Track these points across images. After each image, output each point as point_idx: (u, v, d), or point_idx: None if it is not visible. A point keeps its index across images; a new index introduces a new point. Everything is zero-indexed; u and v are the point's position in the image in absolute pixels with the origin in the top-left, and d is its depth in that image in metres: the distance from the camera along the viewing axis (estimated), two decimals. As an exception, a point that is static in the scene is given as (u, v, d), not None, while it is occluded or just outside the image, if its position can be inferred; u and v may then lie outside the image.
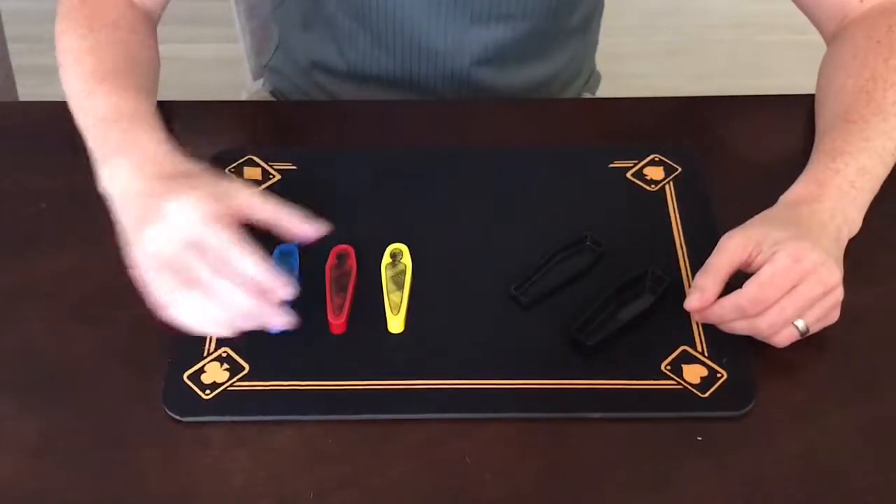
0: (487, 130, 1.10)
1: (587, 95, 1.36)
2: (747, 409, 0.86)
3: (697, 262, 0.90)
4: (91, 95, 0.98)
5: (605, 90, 1.41)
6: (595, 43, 1.35)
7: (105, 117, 0.95)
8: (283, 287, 0.84)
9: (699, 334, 0.90)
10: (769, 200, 1.01)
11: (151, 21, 1.09)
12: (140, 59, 1.03)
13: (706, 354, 0.89)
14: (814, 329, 0.88)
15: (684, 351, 0.89)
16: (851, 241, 0.93)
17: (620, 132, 1.10)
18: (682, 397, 0.87)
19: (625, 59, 2.27)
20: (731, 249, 0.88)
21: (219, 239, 0.84)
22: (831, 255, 0.88)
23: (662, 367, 0.88)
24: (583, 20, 1.25)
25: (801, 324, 0.87)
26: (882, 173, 0.96)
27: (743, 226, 0.90)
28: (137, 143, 0.92)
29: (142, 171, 0.89)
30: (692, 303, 0.87)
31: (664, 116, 1.07)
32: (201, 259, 0.83)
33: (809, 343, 0.90)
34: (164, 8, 1.11)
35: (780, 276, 0.86)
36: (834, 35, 1.07)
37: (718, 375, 0.88)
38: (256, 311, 0.84)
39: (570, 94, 1.32)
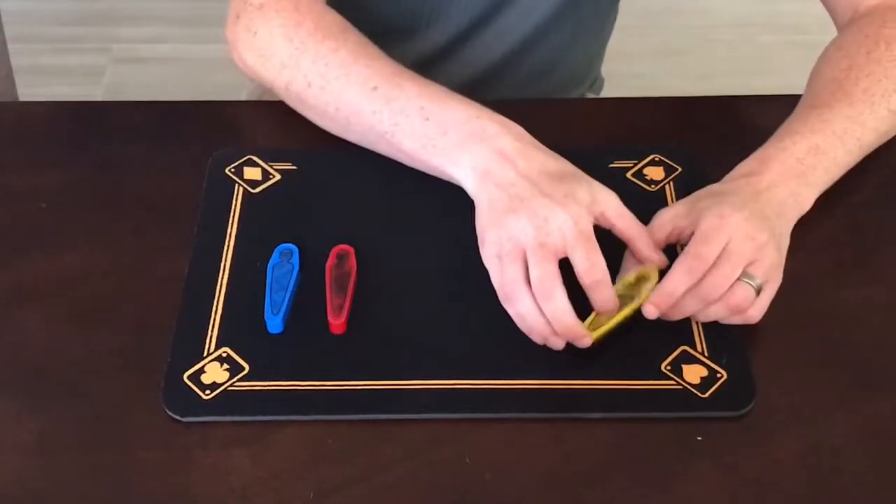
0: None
1: (588, 94, 1.36)
2: (747, 409, 0.86)
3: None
4: (394, 95, 0.97)
5: (605, 90, 1.41)
6: (605, 44, 1.36)
7: (431, 108, 0.96)
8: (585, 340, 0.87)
9: (699, 334, 0.90)
10: (769, 200, 1.01)
11: None
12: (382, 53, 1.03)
13: (706, 354, 0.89)
14: (767, 290, 0.88)
15: (684, 351, 0.89)
16: (852, 242, 0.93)
17: (620, 132, 1.10)
18: (682, 397, 0.87)
19: (625, 59, 2.27)
20: (659, 221, 0.91)
21: (587, 261, 0.86)
22: (756, 215, 0.88)
23: (662, 367, 0.88)
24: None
25: (752, 281, 0.87)
26: (842, 155, 0.96)
27: (678, 201, 0.93)
28: (487, 130, 0.94)
29: (508, 161, 0.91)
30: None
31: (664, 116, 1.07)
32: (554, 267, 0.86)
33: (809, 343, 0.91)
34: None
35: (710, 231, 0.87)
36: (843, 26, 1.09)
37: (718, 375, 0.88)
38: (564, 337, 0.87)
39: (574, 95, 1.32)
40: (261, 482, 0.82)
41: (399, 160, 0.99)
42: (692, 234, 0.89)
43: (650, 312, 0.87)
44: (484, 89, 1.24)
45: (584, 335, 0.87)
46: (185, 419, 0.86)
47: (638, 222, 0.91)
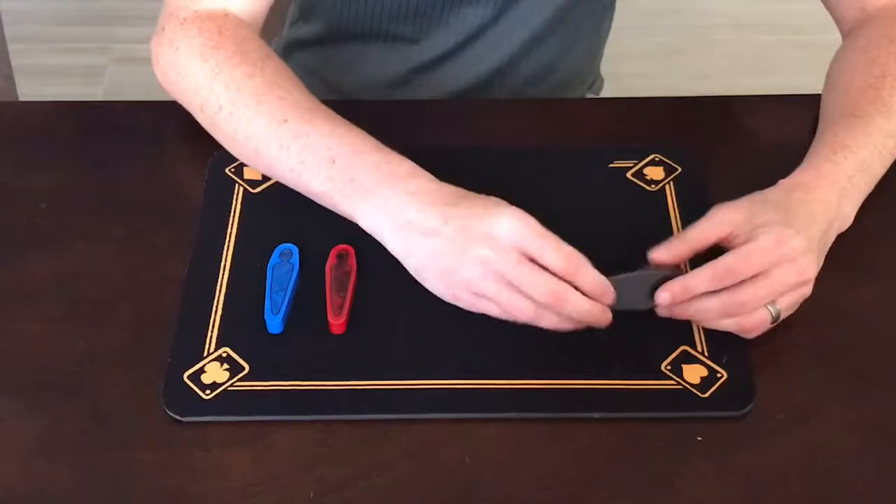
0: (487, 130, 1.10)
1: (589, 96, 1.36)
2: (747, 409, 0.86)
3: (697, 261, 0.90)
4: (303, 131, 0.93)
5: (605, 90, 1.41)
6: (603, 43, 1.36)
7: (340, 149, 0.91)
8: (611, 295, 0.86)
9: (699, 334, 0.90)
10: (769, 200, 1.01)
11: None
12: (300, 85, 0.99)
13: (706, 354, 0.89)
14: (782, 317, 0.88)
15: (684, 351, 0.89)
16: (851, 241, 0.93)
17: (620, 132, 1.10)
18: (682, 397, 0.87)
19: (625, 59, 2.27)
20: (716, 221, 0.88)
21: (558, 251, 0.84)
22: (814, 246, 0.88)
23: (662, 367, 0.88)
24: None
25: (773, 308, 0.87)
26: (879, 171, 0.96)
27: (736, 201, 0.90)
28: (396, 174, 0.89)
29: (423, 202, 0.87)
30: (657, 254, 0.87)
31: (664, 116, 1.07)
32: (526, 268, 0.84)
33: (809, 343, 0.91)
34: (263, 20, 1.08)
35: (759, 253, 0.86)
36: (851, 29, 1.08)
37: (718, 375, 0.88)
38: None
39: (574, 96, 1.32)
40: (261, 482, 0.82)
41: (311, 198, 0.95)
42: (743, 242, 0.87)
43: (664, 299, 0.87)
44: (482, 93, 1.24)
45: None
46: (185, 419, 0.86)
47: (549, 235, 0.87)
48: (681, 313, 0.88)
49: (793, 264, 0.86)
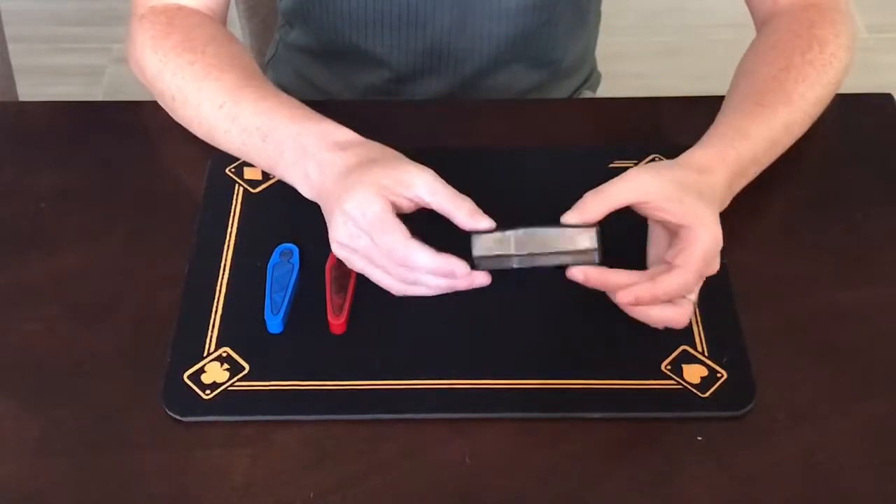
0: (487, 130, 1.10)
1: (588, 94, 1.36)
2: (747, 409, 0.86)
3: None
4: (236, 113, 0.98)
5: (605, 90, 1.41)
6: (597, 25, 1.35)
7: (267, 126, 0.96)
8: (461, 268, 0.87)
9: (699, 334, 0.90)
10: (767, 200, 1.01)
11: (224, 24, 1.11)
12: (250, 64, 1.04)
13: (706, 354, 0.89)
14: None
15: (684, 351, 0.89)
16: (852, 242, 0.93)
17: (620, 132, 1.10)
18: (682, 397, 0.87)
19: (625, 59, 2.27)
20: (635, 188, 0.88)
21: (389, 240, 0.87)
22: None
23: (662, 367, 0.88)
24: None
25: (693, 297, 0.88)
26: (766, 163, 0.99)
27: (656, 173, 0.90)
28: (310, 143, 0.94)
29: (325, 168, 0.92)
30: (569, 217, 0.88)
31: (664, 116, 1.07)
32: (378, 251, 0.88)
33: (810, 343, 0.91)
34: (227, 9, 1.13)
35: (708, 255, 0.87)
36: (763, 23, 1.12)
37: (718, 375, 0.88)
38: (436, 286, 0.89)
39: (570, 88, 1.32)
40: (261, 482, 0.82)
41: None
42: (670, 217, 0.88)
43: (576, 276, 0.87)
44: (472, 91, 1.23)
45: (460, 265, 0.87)
46: (185, 419, 0.86)
47: (447, 193, 0.90)
48: (595, 279, 0.88)
49: (716, 259, 0.89)
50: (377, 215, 0.87)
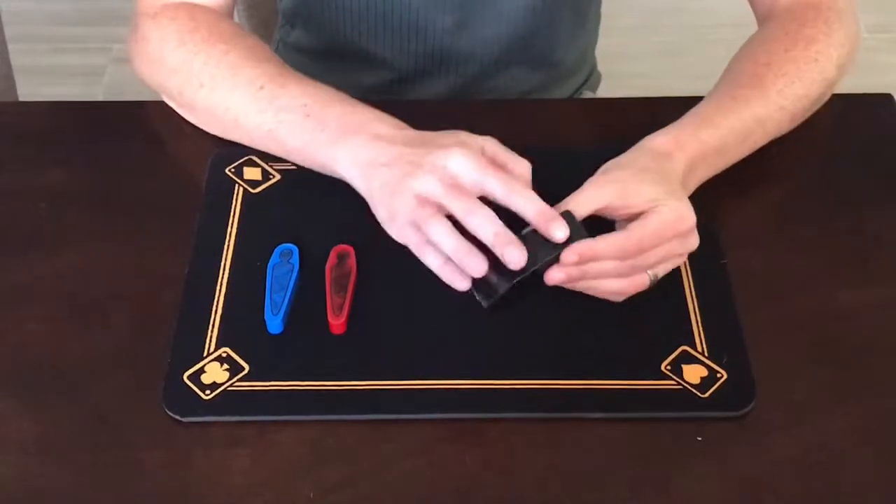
0: (487, 130, 1.09)
1: (588, 94, 1.36)
2: (747, 409, 0.86)
3: (697, 260, 0.90)
4: (279, 94, 1.00)
5: (605, 90, 1.41)
6: (597, 26, 1.35)
7: (313, 106, 0.98)
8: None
9: (699, 334, 0.90)
10: (768, 200, 1.01)
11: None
12: (277, 57, 1.06)
13: (706, 354, 0.89)
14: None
15: (684, 351, 0.89)
16: (852, 242, 0.93)
17: (620, 132, 1.10)
18: (682, 397, 0.87)
19: (625, 59, 2.27)
20: (593, 199, 0.90)
21: (500, 183, 0.88)
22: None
23: (662, 367, 0.88)
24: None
25: (652, 273, 0.89)
26: (734, 158, 0.99)
27: (608, 173, 0.92)
28: (364, 120, 0.96)
29: (385, 141, 0.93)
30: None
31: (664, 116, 1.06)
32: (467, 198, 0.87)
33: (809, 343, 0.91)
34: (233, 8, 1.15)
35: (665, 228, 0.88)
36: (762, 21, 1.12)
37: (718, 375, 0.88)
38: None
39: (570, 88, 1.32)
40: (261, 482, 0.82)
41: (290, 160, 1.02)
42: (623, 210, 0.89)
43: (570, 259, 0.87)
44: (473, 92, 1.23)
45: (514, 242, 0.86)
46: (185, 419, 0.86)
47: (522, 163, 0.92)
48: (576, 275, 0.88)
49: (686, 238, 0.90)
50: (484, 163, 0.89)
